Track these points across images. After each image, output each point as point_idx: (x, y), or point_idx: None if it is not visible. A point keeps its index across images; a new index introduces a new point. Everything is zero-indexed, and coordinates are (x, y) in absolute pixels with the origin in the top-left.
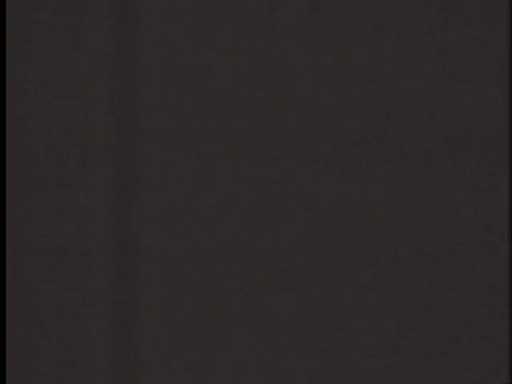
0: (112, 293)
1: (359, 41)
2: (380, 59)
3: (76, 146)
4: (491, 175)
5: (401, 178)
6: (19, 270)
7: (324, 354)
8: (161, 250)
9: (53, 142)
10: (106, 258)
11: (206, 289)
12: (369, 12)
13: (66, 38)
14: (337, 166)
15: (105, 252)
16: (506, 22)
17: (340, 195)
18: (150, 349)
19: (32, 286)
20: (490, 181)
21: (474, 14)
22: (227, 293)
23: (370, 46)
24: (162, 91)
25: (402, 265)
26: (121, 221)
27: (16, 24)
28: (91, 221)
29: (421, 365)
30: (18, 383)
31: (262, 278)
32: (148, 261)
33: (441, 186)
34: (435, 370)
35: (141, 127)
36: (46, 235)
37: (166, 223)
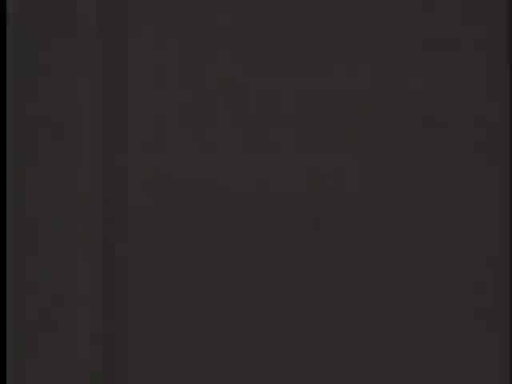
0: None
1: (359, 40)
2: (380, 58)
3: None
4: (491, 175)
5: (401, 177)
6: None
7: (324, 354)
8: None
9: None
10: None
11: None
12: (369, 12)
13: None
14: (334, 162)
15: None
16: (507, 22)
17: (339, 195)
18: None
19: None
20: (490, 181)
21: (474, 13)
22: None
23: (370, 45)
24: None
25: (402, 264)
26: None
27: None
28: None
29: (421, 365)
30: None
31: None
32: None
33: (441, 186)
34: (435, 370)
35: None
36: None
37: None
